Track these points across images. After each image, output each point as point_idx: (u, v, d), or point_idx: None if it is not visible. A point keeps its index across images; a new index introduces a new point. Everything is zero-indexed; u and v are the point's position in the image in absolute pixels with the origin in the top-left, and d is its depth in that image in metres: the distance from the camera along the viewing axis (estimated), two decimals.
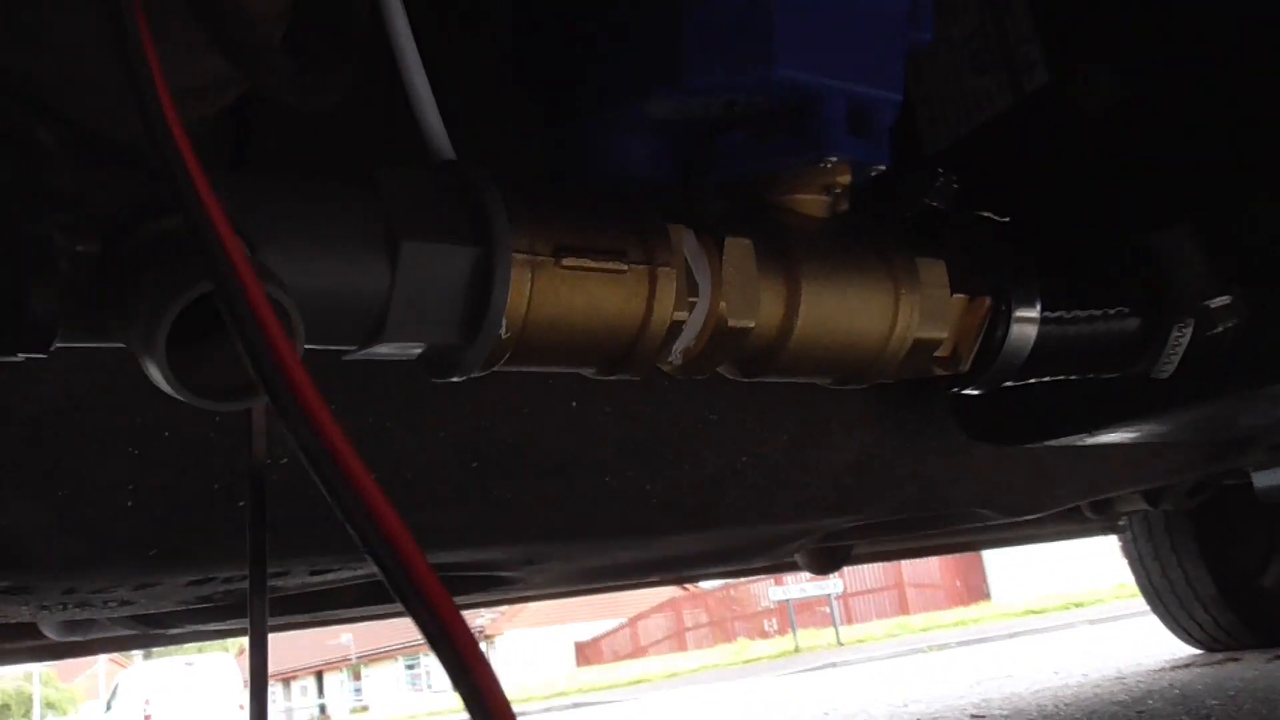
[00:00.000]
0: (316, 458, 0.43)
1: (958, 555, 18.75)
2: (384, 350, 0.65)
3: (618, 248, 0.68)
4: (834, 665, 9.25)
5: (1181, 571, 3.19)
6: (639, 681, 13.74)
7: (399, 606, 0.42)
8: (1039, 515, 1.70)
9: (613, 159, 0.83)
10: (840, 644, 14.06)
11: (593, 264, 0.67)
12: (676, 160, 0.84)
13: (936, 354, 0.86)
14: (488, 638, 23.47)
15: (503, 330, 0.64)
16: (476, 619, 22.51)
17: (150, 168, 0.54)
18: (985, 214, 0.90)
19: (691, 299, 0.72)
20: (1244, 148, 0.98)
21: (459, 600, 1.95)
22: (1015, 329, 0.87)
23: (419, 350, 0.68)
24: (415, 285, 0.62)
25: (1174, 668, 3.48)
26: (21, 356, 0.53)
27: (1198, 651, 3.48)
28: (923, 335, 0.82)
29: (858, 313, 0.79)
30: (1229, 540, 3.14)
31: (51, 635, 2.33)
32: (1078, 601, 12.33)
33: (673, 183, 0.85)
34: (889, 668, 7.14)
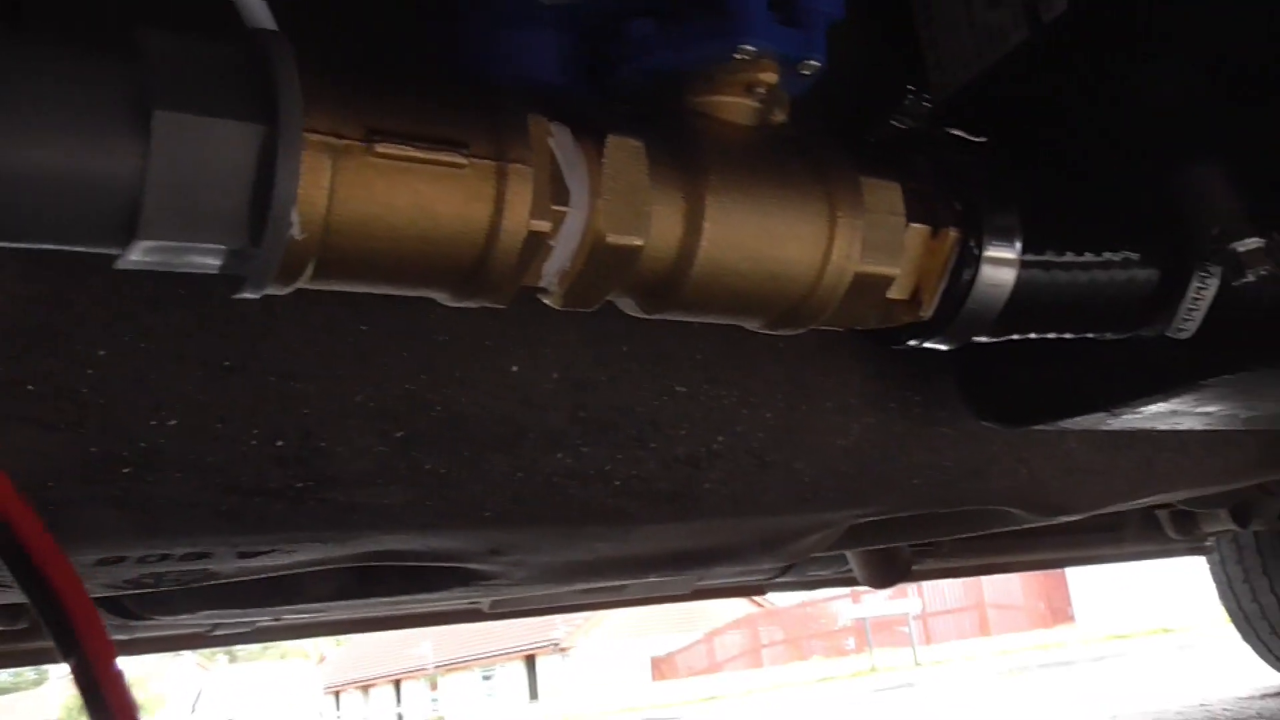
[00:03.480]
0: None
1: (1042, 577, 18.20)
2: (148, 255, 0.53)
3: (456, 138, 0.56)
4: (910, 685, 8.98)
5: (1274, 597, 2.98)
6: (715, 698, 13.49)
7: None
8: (1078, 517, 1.53)
9: (507, 62, 0.71)
10: (918, 664, 13.70)
11: (418, 153, 0.54)
12: (587, 63, 0.71)
13: (891, 296, 0.72)
14: (562, 650, 23.34)
15: (295, 230, 0.52)
16: (551, 630, 22.45)
17: None
18: (956, 132, 0.76)
19: (560, 208, 0.59)
20: None
21: (438, 595, 1.82)
22: (986, 271, 0.72)
23: (217, 262, 0.56)
24: (177, 168, 0.50)
25: (1264, 696, 3.33)
26: None
27: None
28: (867, 270, 0.68)
29: (780, 237, 0.65)
30: None
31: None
32: (1166, 627, 11.81)
33: (586, 90, 0.72)
34: (964, 690, 6.93)
